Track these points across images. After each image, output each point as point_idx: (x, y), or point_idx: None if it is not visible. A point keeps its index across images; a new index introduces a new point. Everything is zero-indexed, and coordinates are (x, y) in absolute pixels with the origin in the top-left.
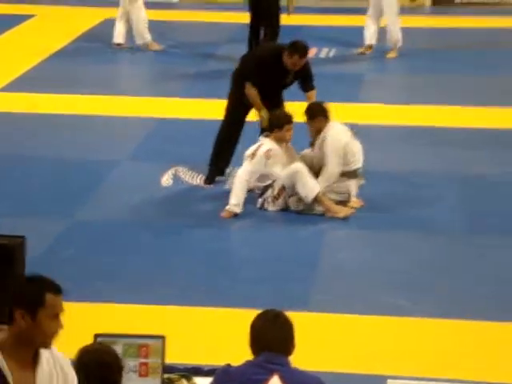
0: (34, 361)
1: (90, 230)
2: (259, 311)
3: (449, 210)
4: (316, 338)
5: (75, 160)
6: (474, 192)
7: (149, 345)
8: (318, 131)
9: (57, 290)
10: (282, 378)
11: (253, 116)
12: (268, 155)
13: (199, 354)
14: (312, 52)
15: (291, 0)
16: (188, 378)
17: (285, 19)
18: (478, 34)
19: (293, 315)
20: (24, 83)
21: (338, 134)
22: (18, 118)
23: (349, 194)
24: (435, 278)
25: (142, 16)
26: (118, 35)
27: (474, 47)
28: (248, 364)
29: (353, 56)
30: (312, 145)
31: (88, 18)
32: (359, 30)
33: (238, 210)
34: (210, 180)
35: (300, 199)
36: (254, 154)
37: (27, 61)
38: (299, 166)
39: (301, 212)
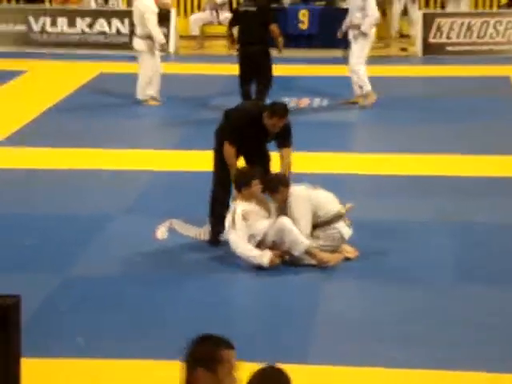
0: None
1: (84, 285)
2: (257, 365)
3: (440, 259)
4: None
5: (70, 215)
6: (465, 241)
7: None
8: (283, 201)
9: (230, 345)
10: None
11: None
12: (245, 218)
13: None
14: (304, 102)
15: (279, 39)
16: None
17: (277, 70)
18: (469, 82)
19: (290, 368)
20: (17, 139)
21: (298, 198)
22: (11, 174)
23: (341, 237)
24: (428, 330)
25: (148, 72)
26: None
27: (466, 95)
28: None
29: (344, 106)
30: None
31: (82, 73)
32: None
33: (266, 258)
34: (214, 241)
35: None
36: (233, 222)
37: (21, 117)
38: (284, 222)
39: (292, 263)
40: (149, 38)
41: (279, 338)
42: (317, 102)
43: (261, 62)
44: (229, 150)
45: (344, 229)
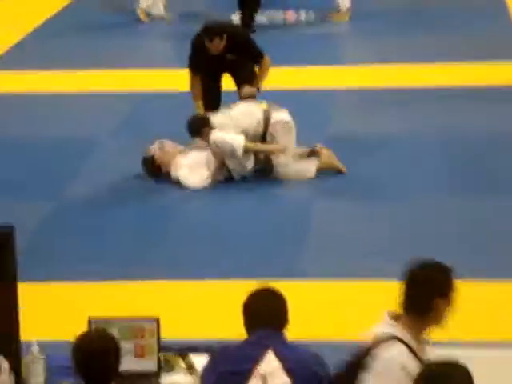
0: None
1: (74, 209)
2: (251, 282)
3: (432, 172)
4: (309, 306)
5: (55, 139)
6: (456, 152)
7: (144, 327)
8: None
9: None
10: (276, 353)
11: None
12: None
13: (194, 330)
14: (291, 16)
15: None
16: (184, 356)
17: None
18: None
19: (284, 285)
20: (3, 62)
21: (223, 129)
22: None
23: (285, 121)
24: (421, 243)
25: None
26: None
27: (449, 4)
28: (243, 342)
29: (329, 19)
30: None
31: None
32: None
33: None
34: None
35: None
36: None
37: (6, 39)
38: (213, 136)
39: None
40: None
41: (274, 255)
42: (303, 15)
43: None
44: (191, 80)
45: (280, 114)
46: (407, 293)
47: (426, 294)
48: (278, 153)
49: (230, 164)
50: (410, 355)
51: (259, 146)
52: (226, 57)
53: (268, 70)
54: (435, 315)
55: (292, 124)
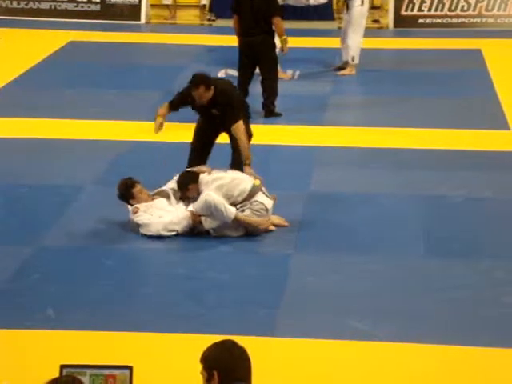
0: None
1: (56, 255)
2: (224, 337)
3: (409, 232)
4: (281, 363)
5: (40, 185)
6: (434, 214)
7: (116, 375)
8: (197, 194)
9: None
10: None
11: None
12: (135, 211)
13: (167, 382)
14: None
15: (282, 38)
16: None
17: None
18: (440, 54)
19: (257, 340)
20: None
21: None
22: None
23: (265, 208)
24: (397, 303)
25: None
26: None
27: (436, 68)
28: None
29: (317, 77)
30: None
31: (53, 41)
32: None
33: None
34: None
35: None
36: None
37: None
38: (210, 196)
39: (217, 235)
40: None
41: (248, 311)
42: (289, 73)
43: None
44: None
45: (264, 199)
46: None
47: None
48: (263, 228)
49: (209, 224)
50: None
51: (248, 219)
52: (211, 110)
53: (244, 134)
54: None
55: (265, 213)
